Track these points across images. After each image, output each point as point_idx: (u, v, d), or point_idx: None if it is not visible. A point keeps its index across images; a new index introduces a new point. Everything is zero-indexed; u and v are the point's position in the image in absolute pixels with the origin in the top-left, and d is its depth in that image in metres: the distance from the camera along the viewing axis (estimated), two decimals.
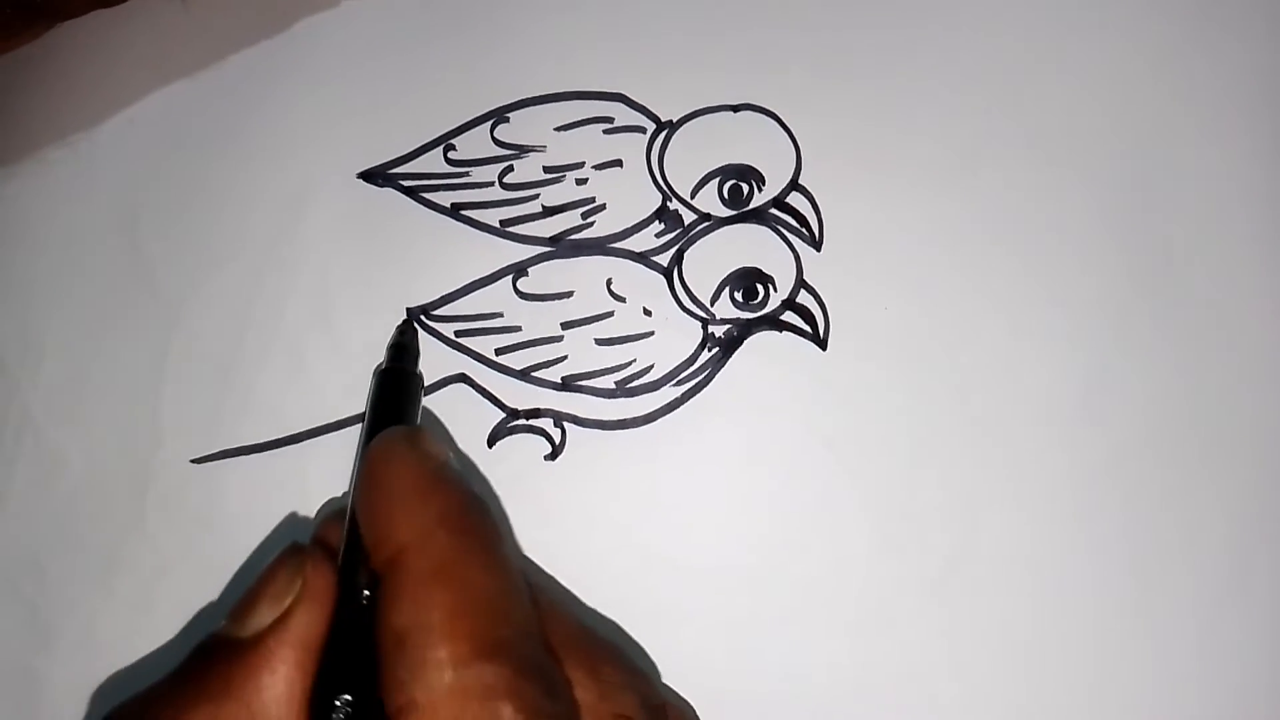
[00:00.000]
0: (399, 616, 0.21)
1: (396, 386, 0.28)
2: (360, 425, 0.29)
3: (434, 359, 0.30)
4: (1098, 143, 0.32)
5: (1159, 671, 0.29)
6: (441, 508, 0.22)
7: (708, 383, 0.30)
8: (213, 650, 0.22)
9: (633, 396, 0.31)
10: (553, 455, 0.30)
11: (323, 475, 0.30)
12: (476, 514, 0.23)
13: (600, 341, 0.31)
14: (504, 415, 0.30)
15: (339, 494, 0.30)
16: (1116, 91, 0.32)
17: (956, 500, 0.30)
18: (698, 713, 0.26)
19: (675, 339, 0.31)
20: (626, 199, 0.31)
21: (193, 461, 0.30)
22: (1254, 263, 0.31)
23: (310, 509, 0.30)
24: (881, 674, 0.29)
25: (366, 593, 0.22)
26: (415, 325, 0.30)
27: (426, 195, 0.31)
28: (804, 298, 0.31)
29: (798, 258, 0.31)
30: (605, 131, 0.32)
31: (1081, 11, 0.32)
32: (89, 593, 0.29)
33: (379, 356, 0.30)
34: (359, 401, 0.30)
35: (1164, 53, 0.32)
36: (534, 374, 0.31)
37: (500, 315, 0.31)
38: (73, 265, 0.31)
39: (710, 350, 0.31)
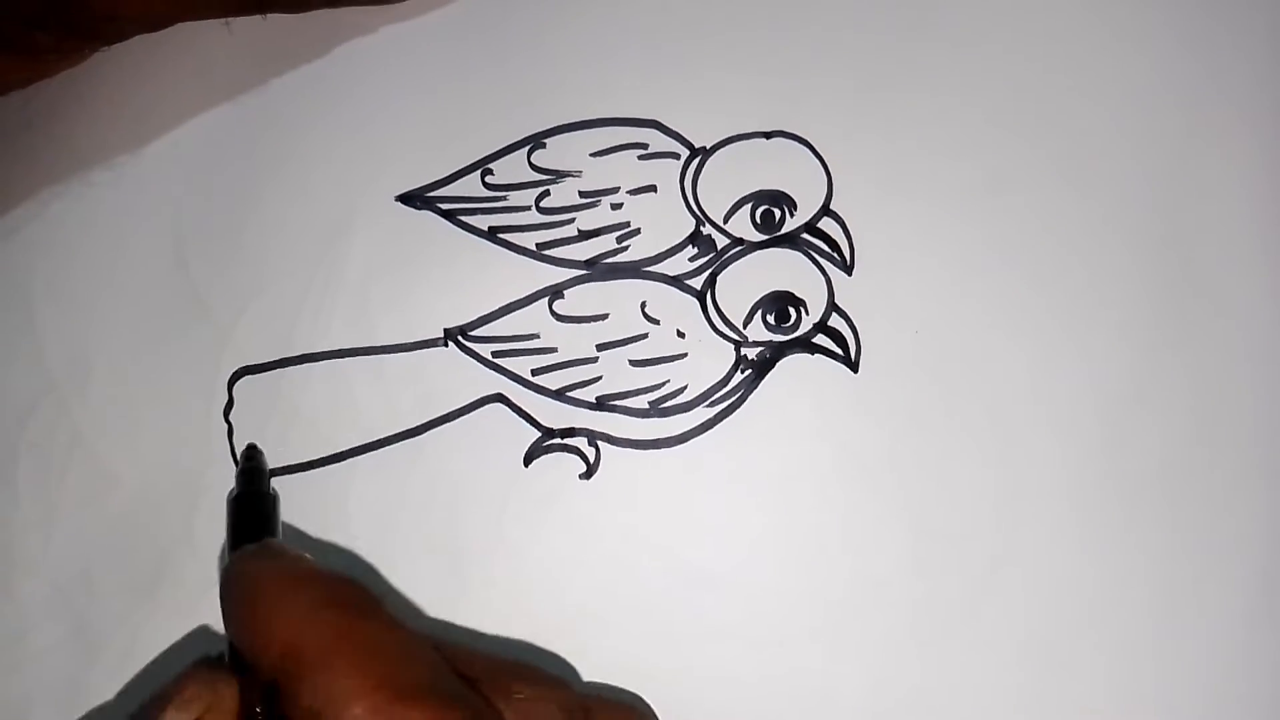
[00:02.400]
0: (308, 698, 0.21)
1: (251, 511, 0.28)
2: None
3: (471, 379, 0.31)
4: (1123, 165, 0.32)
5: (1196, 685, 0.30)
6: (317, 594, 0.23)
7: (740, 404, 0.31)
8: None
9: (666, 417, 0.31)
10: (587, 474, 0.31)
11: (364, 493, 0.31)
12: (353, 587, 0.23)
13: (634, 363, 0.31)
14: (540, 434, 0.31)
15: (379, 512, 0.30)
16: (1142, 114, 0.33)
17: (987, 520, 0.31)
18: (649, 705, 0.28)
19: (708, 361, 0.31)
20: (661, 223, 0.32)
21: None
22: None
23: (351, 526, 0.30)
24: (915, 691, 0.30)
25: (259, 709, 0.22)
26: (259, 449, 0.30)
27: (464, 218, 0.32)
28: (835, 321, 0.31)
29: (829, 281, 0.32)
30: (640, 157, 0.32)
31: (1108, 38, 0.33)
32: (137, 606, 0.30)
33: (419, 378, 0.31)
34: (399, 421, 0.31)
35: (1189, 77, 0.33)
36: (569, 394, 0.31)
37: (537, 336, 0.32)
38: (120, 285, 0.32)
39: (743, 372, 0.31)
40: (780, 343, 0.31)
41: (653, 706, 0.29)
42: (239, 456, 0.30)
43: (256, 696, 0.23)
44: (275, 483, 0.30)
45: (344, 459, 0.31)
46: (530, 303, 0.32)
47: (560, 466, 0.31)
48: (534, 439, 0.31)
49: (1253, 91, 0.33)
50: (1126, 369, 0.31)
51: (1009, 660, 0.30)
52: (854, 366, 0.31)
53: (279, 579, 0.23)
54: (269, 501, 0.28)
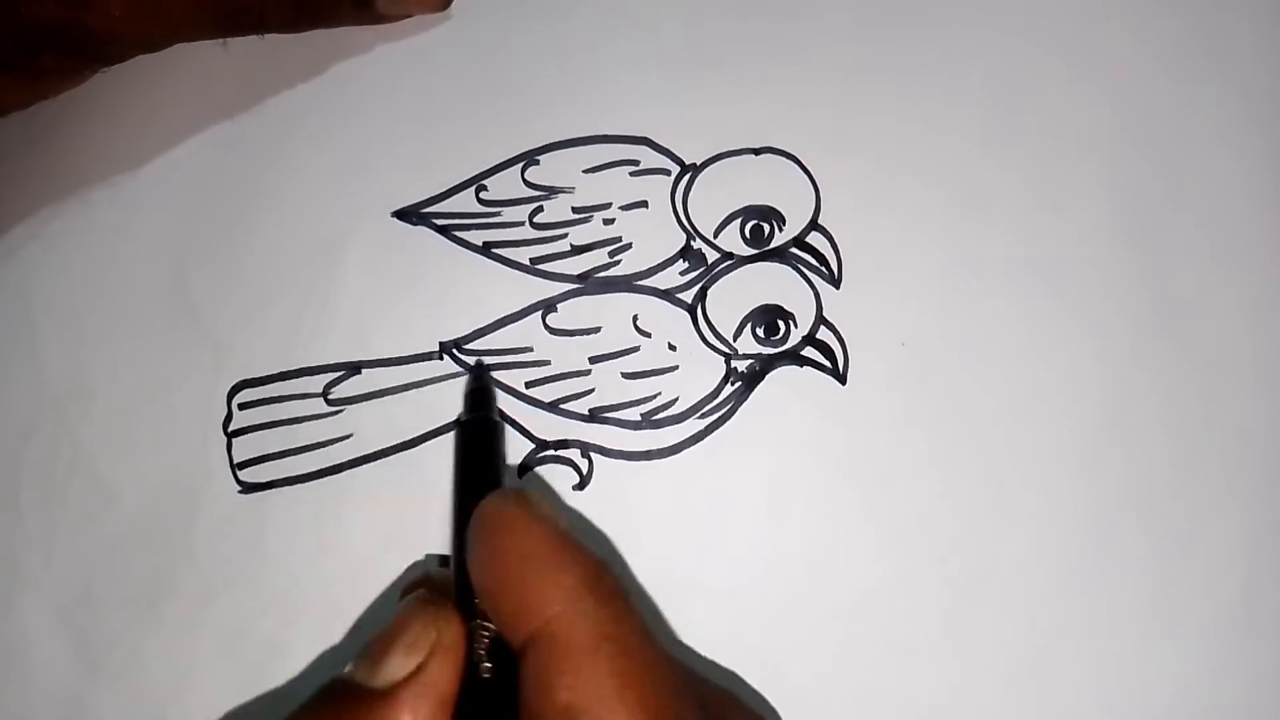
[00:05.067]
0: (565, 692, 0.21)
1: (483, 437, 0.28)
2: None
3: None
4: (1113, 177, 0.33)
5: (1177, 698, 0.30)
6: (581, 575, 0.22)
7: (731, 416, 0.32)
8: (343, 696, 0.22)
9: (658, 428, 0.32)
10: (580, 485, 0.31)
11: (360, 505, 0.31)
12: (614, 578, 0.23)
13: (626, 375, 0.32)
14: (534, 446, 0.32)
15: (377, 524, 0.31)
16: (1130, 127, 0.33)
17: (974, 530, 0.31)
18: None
19: (699, 373, 0.32)
20: (652, 238, 0.32)
21: (239, 493, 0.31)
22: (1271, 289, 0.32)
23: (348, 538, 0.31)
24: (903, 702, 0.30)
25: (488, 664, 0.22)
26: (487, 370, 0.31)
27: (459, 234, 0.33)
28: (824, 334, 0.32)
29: (817, 295, 0.32)
30: (631, 174, 0.33)
31: (1094, 53, 0.34)
32: (137, 621, 0.30)
33: (413, 390, 0.31)
34: (394, 434, 0.31)
35: (1178, 91, 0.33)
36: (562, 406, 0.32)
37: (530, 349, 0.32)
38: (119, 302, 0.32)
39: (733, 384, 0.32)
40: (769, 355, 0.32)
41: None
42: (469, 377, 0.31)
43: (484, 652, 0.22)
44: (272, 495, 0.31)
45: (341, 471, 0.31)
46: (524, 316, 0.32)
47: (554, 478, 0.31)
48: (528, 451, 0.31)
49: (1237, 110, 0.33)
50: (1112, 382, 0.32)
51: (995, 671, 0.30)
52: (842, 379, 0.32)
53: (542, 545, 0.22)
54: (499, 430, 0.28)
